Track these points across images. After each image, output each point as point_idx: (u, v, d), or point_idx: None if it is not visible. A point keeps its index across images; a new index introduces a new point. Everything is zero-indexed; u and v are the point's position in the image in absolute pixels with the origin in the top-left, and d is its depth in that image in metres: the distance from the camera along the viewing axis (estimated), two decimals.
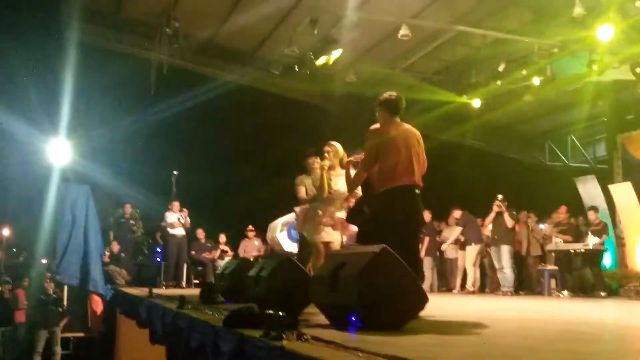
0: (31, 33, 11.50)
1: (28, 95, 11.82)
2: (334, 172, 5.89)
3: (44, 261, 12.27)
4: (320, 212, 5.89)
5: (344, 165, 5.84)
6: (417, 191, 4.80)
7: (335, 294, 3.71)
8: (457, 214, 11.32)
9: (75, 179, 11.46)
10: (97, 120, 12.34)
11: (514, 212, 10.86)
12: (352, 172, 5.30)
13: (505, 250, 10.35)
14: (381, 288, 3.51)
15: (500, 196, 10.43)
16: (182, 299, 5.31)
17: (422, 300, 3.67)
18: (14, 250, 15.62)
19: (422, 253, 10.94)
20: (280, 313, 3.05)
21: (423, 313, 4.20)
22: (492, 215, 10.49)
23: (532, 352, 3.00)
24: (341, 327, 3.48)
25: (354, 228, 5.81)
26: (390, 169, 4.75)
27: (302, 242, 6.95)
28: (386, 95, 4.93)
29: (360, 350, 2.66)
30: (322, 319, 3.95)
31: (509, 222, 10.37)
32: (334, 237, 5.86)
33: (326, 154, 5.96)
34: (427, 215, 11.33)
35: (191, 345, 4.16)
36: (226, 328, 3.40)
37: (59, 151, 11.43)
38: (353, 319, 3.48)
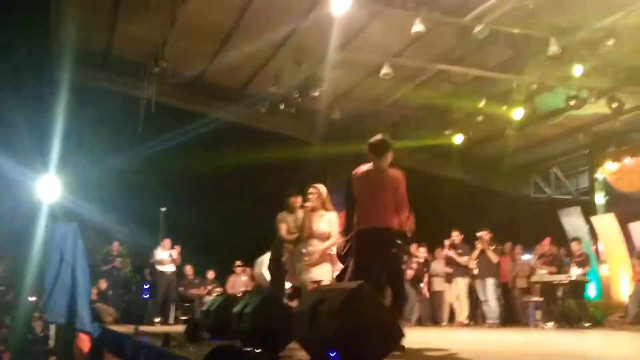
0: (23, 73, 11.67)
1: (18, 133, 11.92)
2: (317, 214, 6.03)
3: (31, 299, 12.20)
4: (304, 251, 6.00)
5: (327, 207, 6.02)
6: (384, 231, 4.89)
7: (314, 329, 3.80)
8: (457, 237, 11.32)
9: (64, 216, 11.48)
10: (87, 158, 12.43)
11: (499, 247, 11.00)
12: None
13: (490, 282, 10.48)
14: (359, 323, 3.60)
15: (479, 234, 10.59)
16: (166, 337, 5.37)
17: (398, 335, 3.76)
18: (2, 288, 15.50)
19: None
20: (258, 350, 3.14)
21: (408, 346, 4.30)
22: (476, 253, 10.67)
23: None
24: None
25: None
26: (358, 213, 5.04)
27: (276, 279, 7.04)
28: (372, 139, 5.14)
29: None
30: (303, 355, 4.03)
31: (493, 258, 10.54)
32: (323, 276, 5.95)
33: (310, 196, 6.12)
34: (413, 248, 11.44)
35: None
36: None
37: (48, 188, 11.48)
38: (332, 354, 3.57)
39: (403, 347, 4.31)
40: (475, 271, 10.78)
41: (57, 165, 11.35)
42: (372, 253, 4.93)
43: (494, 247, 10.69)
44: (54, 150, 11.11)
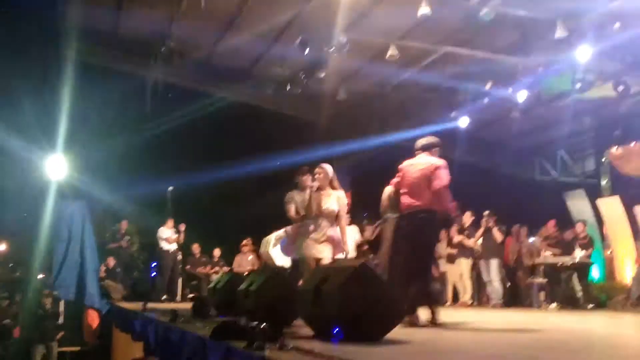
0: (29, 51, 11.71)
1: (26, 112, 12.01)
2: (324, 193, 6.14)
3: (40, 276, 12.41)
4: (312, 228, 6.12)
5: (334, 186, 6.14)
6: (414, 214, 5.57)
7: (318, 306, 3.93)
8: (468, 219, 11.30)
9: (71, 194, 11.63)
10: (94, 137, 12.51)
11: (504, 227, 11.09)
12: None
13: (494, 263, 10.61)
14: (360, 301, 3.73)
15: (487, 212, 10.71)
16: (174, 313, 5.52)
17: (400, 313, 3.89)
18: (11, 265, 15.72)
19: None
20: (263, 325, 3.26)
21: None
22: (480, 231, 10.78)
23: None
24: (325, 339, 3.68)
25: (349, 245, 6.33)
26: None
27: (295, 261, 7.15)
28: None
29: (338, 359, 2.87)
30: (308, 331, 4.16)
31: (497, 237, 10.65)
32: (325, 254, 6.07)
33: (316, 176, 6.23)
34: None
35: (182, 356, 4.37)
36: (213, 340, 3.61)
37: (56, 167, 11.61)
38: (335, 330, 3.69)
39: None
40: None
41: (64, 144, 11.47)
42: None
43: (498, 227, 10.79)
44: (61, 129, 11.22)
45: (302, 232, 6.22)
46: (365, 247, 9.75)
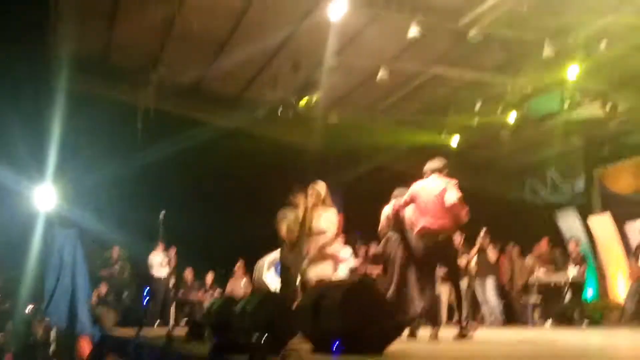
0: (19, 80, 11.72)
1: (15, 142, 11.97)
2: (316, 211, 6.15)
3: (30, 306, 12.26)
4: (305, 251, 6.10)
5: (328, 204, 6.17)
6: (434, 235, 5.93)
7: (318, 323, 3.92)
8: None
9: (61, 224, 11.55)
10: (83, 166, 12.46)
11: (498, 246, 11.09)
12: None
13: (490, 281, 10.60)
14: (361, 314, 3.72)
15: (483, 231, 10.74)
16: (169, 336, 5.45)
17: (399, 326, 3.88)
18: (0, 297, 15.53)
19: None
20: (265, 336, 3.24)
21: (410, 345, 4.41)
22: (475, 250, 10.80)
23: None
24: (325, 353, 3.67)
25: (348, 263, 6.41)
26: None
27: (285, 280, 7.13)
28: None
29: None
30: (308, 347, 4.13)
31: (492, 256, 10.66)
32: (325, 273, 6.06)
33: (309, 194, 6.25)
34: None
35: None
36: (213, 355, 3.58)
37: (45, 197, 11.55)
38: (335, 345, 3.67)
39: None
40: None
41: (53, 174, 11.42)
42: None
43: (492, 246, 10.79)
44: (50, 158, 11.18)
45: (298, 256, 6.21)
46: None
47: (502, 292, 11.32)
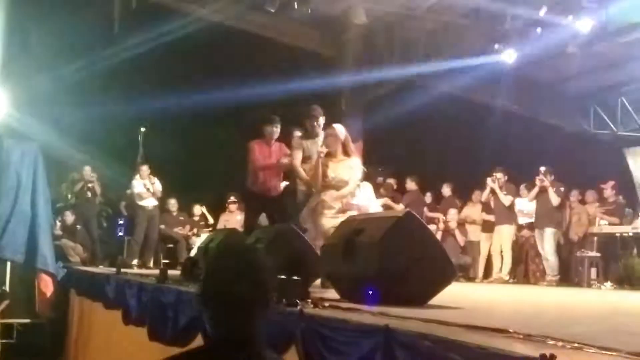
0: None
1: None
2: (335, 159, 6.13)
3: None
4: (324, 200, 6.09)
5: (348, 151, 6.14)
6: None
7: (350, 263, 3.98)
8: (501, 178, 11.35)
9: (15, 138, 11.53)
10: (36, 65, 12.32)
11: (562, 188, 11.08)
12: None
13: (549, 233, 10.70)
14: (405, 256, 3.78)
15: (543, 168, 10.76)
16: (163, 274, 5.58)
17: (451, 272, 3.95)
18: None
19: None
20: (294, 279, 3.31)
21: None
22: (535, 191, 10.84)
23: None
24: (355, 301, 3.71)
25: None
26: None
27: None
28: None
29: (389, 315, 2.92)
30: (331, 294, 4.21)
31: (554, 199, 10.68)
32: None
33: (326, 140, 6.25)
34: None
35: (180, 321, 4.44)
36: None
37: None
38: (370, 292, 3.73)
39: None
40: (524, 219, 10.96)
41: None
42: None
43: (555, 188, 10.82)
44: None
45: (314, 207, 6.18)
46: None
47: (558, 245, 11.45)
